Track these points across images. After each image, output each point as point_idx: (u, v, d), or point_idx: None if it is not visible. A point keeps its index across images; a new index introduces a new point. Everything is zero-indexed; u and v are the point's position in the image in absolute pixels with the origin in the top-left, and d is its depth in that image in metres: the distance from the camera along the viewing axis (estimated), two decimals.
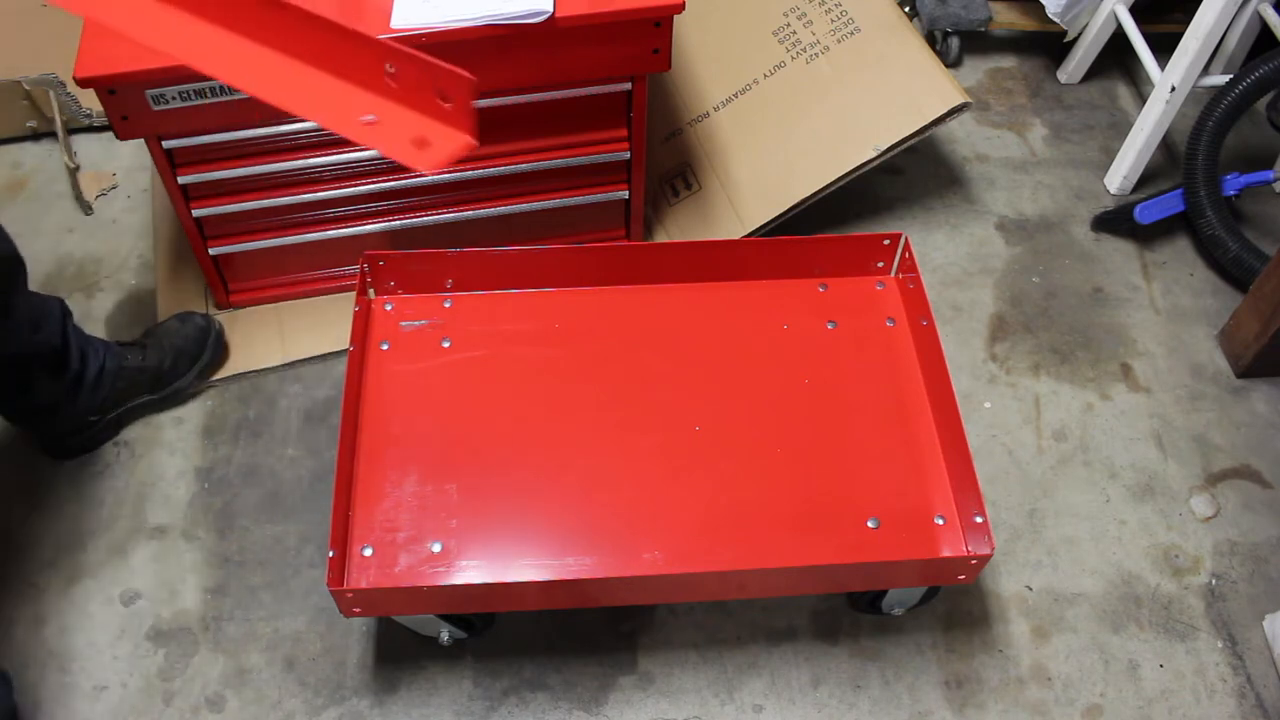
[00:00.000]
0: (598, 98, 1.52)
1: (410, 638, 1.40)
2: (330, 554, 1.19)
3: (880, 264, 1.52)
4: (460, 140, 0.74)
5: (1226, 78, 1.80)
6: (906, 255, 1.48)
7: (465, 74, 0.72)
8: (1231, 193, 1.80)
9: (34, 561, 1.49)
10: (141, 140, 1.44)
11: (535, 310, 1.47)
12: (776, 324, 1.47)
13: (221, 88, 1.38)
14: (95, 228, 1.89)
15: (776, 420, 1.38)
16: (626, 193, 1.69)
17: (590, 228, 1.76)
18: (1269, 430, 1.65)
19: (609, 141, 1.60)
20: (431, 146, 0.75)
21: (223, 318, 1.71)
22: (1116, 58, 2.16)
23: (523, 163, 1.59)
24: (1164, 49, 1.86)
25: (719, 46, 1.88)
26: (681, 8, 1.39)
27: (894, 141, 1.70)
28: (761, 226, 1.75)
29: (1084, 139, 2.08)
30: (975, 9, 2.13)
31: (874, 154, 1.71)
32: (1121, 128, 2.04)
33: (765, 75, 1.82)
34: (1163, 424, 1.66)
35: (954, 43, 2.17)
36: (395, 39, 1.34)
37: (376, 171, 1.57)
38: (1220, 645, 1.44)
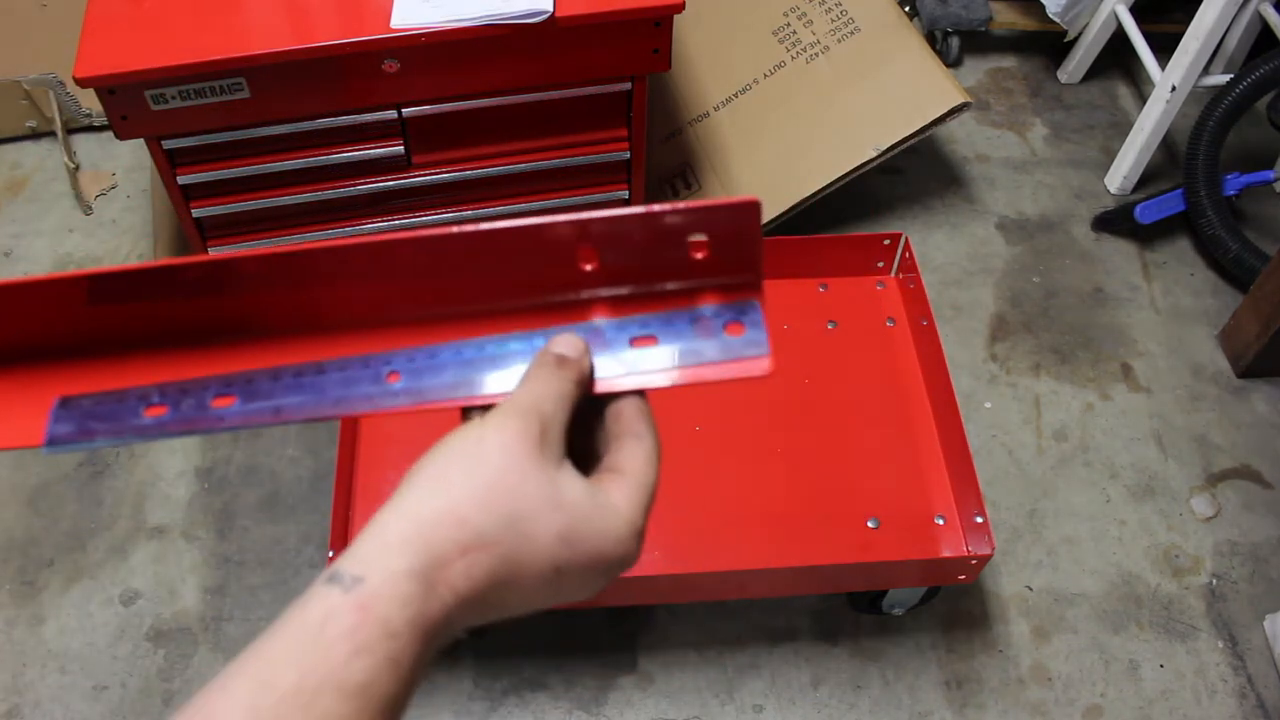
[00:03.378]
0: (597, 98, 1.52)
1: None
2: (330, 554, 1.19)
3: (880, 264, 1.52)
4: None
5: (1227, 78, 1.80)
6: (906, 255, 1.48)
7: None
8: (1232, 193, 1.80)
9: (34, 561, 1.49)
10: (141, 140, 1.44)
11: None
12: (777, 324, 1.45)
13: (222, 87, 1.38)
14: (95, 228, 1.89)
15: (776, 420, 1.38)
16: (626, 193, 1.69)
17: None
18: (1269, 430, 1.65)
19: (608, 141, 1.59)
20: None
21: None
22: (1117, 58, 2.16)
23: (522, 163, 1.58)
24: (1164, 49, 1.86)
25: (719, 46, 1.88)
26: (681, 8, 1.39)
27: (894, 141, 1.70)
28: (761, 227, 1.75)
29: (1084, 139, 2.07)
30: (975, 9, 2.13)
31: (874, 154, 1.71)
32: (1122, 128, 2.04)
33: (765, 75, 1.82)
34: (1163, 424, 1.66)
35: (954, 43, 2.17)
36: (395, 38, 1.34)
37: (376, 171, 1.56)
38: (1221, 645, 1.44)
